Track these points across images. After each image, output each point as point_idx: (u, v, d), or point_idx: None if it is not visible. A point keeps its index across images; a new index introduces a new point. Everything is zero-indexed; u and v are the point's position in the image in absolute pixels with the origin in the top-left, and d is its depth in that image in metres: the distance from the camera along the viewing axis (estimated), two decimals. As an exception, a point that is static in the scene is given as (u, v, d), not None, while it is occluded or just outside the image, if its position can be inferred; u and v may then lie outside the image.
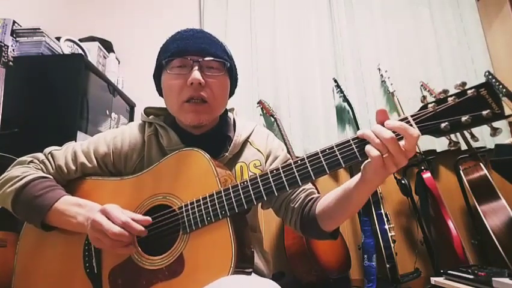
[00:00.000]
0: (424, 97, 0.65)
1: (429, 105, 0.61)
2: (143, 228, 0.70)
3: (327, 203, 0.79)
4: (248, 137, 0.93)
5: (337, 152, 0.65)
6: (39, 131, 1.53)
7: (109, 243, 0.68)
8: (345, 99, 2.18)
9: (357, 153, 0.64)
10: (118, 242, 0.69)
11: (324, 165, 0.65)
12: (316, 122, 2.22)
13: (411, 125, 0.61)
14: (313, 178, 0.67)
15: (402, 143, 0.60)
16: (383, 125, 0.62)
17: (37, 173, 0.82)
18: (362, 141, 0.64)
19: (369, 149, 0.61)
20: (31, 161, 0.86)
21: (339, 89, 2.21)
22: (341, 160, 0.64)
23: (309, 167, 0.66)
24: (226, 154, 0.87)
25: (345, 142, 0.65)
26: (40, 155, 0.88)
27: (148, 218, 0.72)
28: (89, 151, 0.88)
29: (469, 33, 2.36)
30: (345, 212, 0.76)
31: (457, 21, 2.39)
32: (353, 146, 0.64)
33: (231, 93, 0.94)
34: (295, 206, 0.86)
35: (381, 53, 2.33)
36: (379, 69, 2.23)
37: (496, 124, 0.60)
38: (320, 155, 0.66)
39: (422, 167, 1.97)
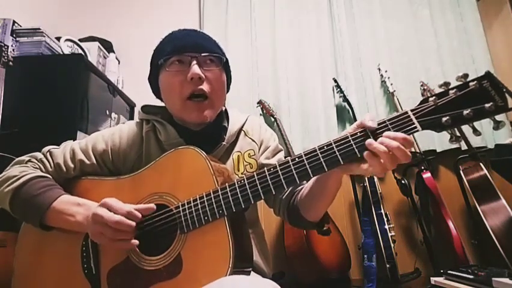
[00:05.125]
0: (424, 90, 0.65)
1: (430, 99, 0.60)
2: (140, 215, 0.71)
3: (305, 193, 0.81)
4: (242, 127, 0.94)
5: (335, 149, 0.64)
6: (39, 131, 1.52)
7: (111, 234, 0.68)
8: (345, 99, 2.18)
9: (356, 150, 0.63)
10: (120, 232, 0.68)
11: (323, 162, 0.65)
12: (317, 122, 2.22)
13: (411, 120, 0.60)
14: (312, 176, 0.66)
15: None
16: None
17: (35, 172, 0.82)
18: (360, 137, 0.63)
19: (374, 164, 0.61)
20: (29, 160, 0.86)
21: (339, 89, 2.21)
22: (340, 157, 0.64)
23: (307, 164, 0.66)
24: (224, 143, 0.88)
25: (344, 138, 0.65)
26: (38, 154, 0.88)
27: (152, 205, 0.72)
28: (88, 148, 0.88)
29: (469, 33, 2.36)
30: (320, 200, 0.77)
31: (457, 21, 2.38)
32: (352, 142, 0.64)
33: (227, 89, 0.95)
34: (283, 197, 0.88)
35: (381, 53, 2.33)
36: (379, 69, 2.23)
37: (498, 117, 0.58)
38: (318, 151, 0.66)
39: (422, 167, 1.96)
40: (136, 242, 0.70)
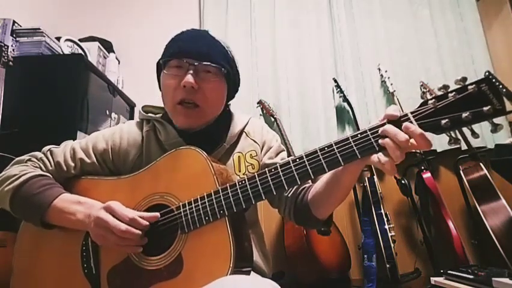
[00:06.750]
0: (424, 93, 0.65)
1: (430, 102, 0.60)
2: (148, 223, 0.71)
3: (318, 188, 0.80)
4: (244, 128, 0.94)
5: (336, 150, 0.65)
6: (39, 131, 1.52)
7: (115, 240, 0.69)
8: (345, 99, 2.18)
9: (357, 152, 0.63)
10: (124, 240, 0.69)
11: (323, 163, 0.65)
12: (317, 122, 2.22)
13: (411, 122, 0.61)
14: (312, 177, 0.66)
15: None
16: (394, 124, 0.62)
17: (35, 171, 0.82)
18: (360, 139, 0.63)
19: (393, 147, 0.59)
20: (29, 160, 0.86)
21: (339, 89, 2.21)
22: (340, 159, 0.64)
23: (307, 165, 0.66)
24: (224, 144, 0.88)
25: (344, 140, 0.65)
26: (38, 154, 0.88)
27: (156, 214, 0.73)
28: (88, 148, 0.88)
29: (469, 33, 2.36)
30: (335, 195, 0.77)
31: (457, 21, 2.39)
32: (352, 144, 0.64)
33: (231, 97, 0.94)
34: (289, 195, 0.87)
35: (381, 53, 2.33)
36: (379, 69, 2.23)
37: (496, 120, 0.58)
38: (319, 153, 0.66)
39: (422, 167, 1.96)
40: (140, 249, 0.71)
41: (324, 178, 0.78)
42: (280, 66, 2.31)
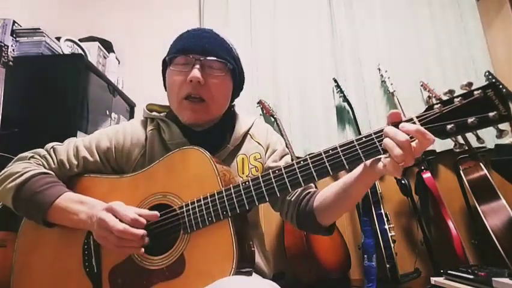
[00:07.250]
0: (429, 97, 0.65)
1: (435, 106, 0.60)
2: (145, 222, 0.70)
3: (325, 196, 0.80)
4: (248, 130, 0.94)
5: (341, 154, 0.65)
6: (39, 131, 1.52)
7: (115, 241, 0.68)
8: (345, 99, 2.18)
9: (362, 155, 0.63)
10: (124, 240, 0.68)
11: (328, 166, 0.65)
12: (317, 122, 2.22)
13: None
14: (316, 180, 0.67)
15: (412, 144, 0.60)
16: (395, 126, 0.61)
17: (38, 168, 0.82)
18: (365, 142, 0.63)
19: (392, 147, 0.59)
20: (32, 157, 0.85)
21: (339, 89, 2.21)
22: (345, 162, 0.64)
23: (311, 168, 0.66)
24: (228, 145, 0.87)
25: (349, 143, 0.65)
26: (41, 151, 0.87)
27: (156, 212, 0.72)
28: (91, 146, 0.87)
29: (469, 33, 2.36)
30: (344, 205, 0.77)
31: (457, 21, 2.39)
32: (357, 147, 0.64)
33: (236, 95, 0.94)
34: (292, 199, 0.87)
35: (381, 53, 2.33)
36: (379, 69, 2.23)
37: (502, 126, 0.59)
38: (323, 155, 0.66)
39: (422, 167, 1.97)
40: (142, 250, 0.70)
41: (333, 188, 0.78)
42: (280, 66, 2.31)
